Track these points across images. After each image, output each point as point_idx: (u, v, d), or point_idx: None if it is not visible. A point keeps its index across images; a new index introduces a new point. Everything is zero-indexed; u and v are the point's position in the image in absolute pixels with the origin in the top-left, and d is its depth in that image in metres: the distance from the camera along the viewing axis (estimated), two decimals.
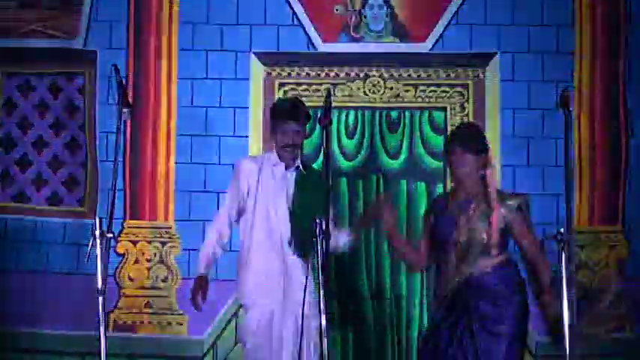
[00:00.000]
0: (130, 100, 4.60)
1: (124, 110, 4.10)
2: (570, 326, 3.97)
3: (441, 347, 4.36)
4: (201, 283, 4.63)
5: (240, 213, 4.68)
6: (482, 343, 4.32)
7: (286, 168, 4.66)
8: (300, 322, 4.35)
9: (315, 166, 5.07)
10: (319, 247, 4.18)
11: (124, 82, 4.27)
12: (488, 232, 4.35)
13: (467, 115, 5.83)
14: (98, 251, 3.95)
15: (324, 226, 4.17)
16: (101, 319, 3.99)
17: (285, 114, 4.63)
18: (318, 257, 4.08)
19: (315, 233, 4.20)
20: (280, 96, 5.80)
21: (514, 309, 4.37)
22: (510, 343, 4.34)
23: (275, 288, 4.57)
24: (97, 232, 3.94)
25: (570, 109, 4.07)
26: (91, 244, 3.95)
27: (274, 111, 4.72)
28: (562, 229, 4.04)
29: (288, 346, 4.53)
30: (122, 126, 4.12)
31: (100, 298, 3.98)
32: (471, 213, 4.40)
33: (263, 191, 4.62)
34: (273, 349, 4.54)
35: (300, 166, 4.69)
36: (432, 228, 4.52)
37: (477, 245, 4.36)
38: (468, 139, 4.41)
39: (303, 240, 4.53)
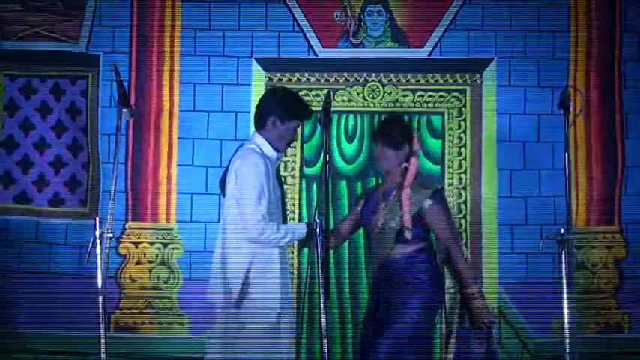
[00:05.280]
0: (133, 103, 4.62)
1: (124, 110, 4.13)
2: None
3: (365, 330, 4.57)
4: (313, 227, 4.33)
5: None
6: (390, 327, 4.40)
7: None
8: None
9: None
10: (318, 247, 4.25)
11: (123, 81, 4.31)
12: (401, 216, 4.48)
13: (464, 119, 5.89)
14: (98, 251, 4.01)
15: (323, 226, 4.27)
16: (101, 318, 4.03)
17: (305, 115, 4.53)
18: (317, 256, 4.15)
19: (315, 232, 4.30)
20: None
21: (421, 297, 4.45)
22: (415, 329, 4.41)
23: (282, 286, 4.40)
24: (97, 232, 4.00)
25: (570, 108, 4.16)
26: (91, 244, 4.01)
27: (292, 107, 4.48)
28: (562, 229, 4.12)
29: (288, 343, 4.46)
30: (122, 125, 4.17)
31: (100, 298, 4.02)
32: (390, 201, 4.54)
33: (272, 188, 4.41)
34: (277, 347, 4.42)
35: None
36: (359, 213, 4.73)
37: (391, 231, 4.50)
38: (389, 134, 4.59)
39: None
